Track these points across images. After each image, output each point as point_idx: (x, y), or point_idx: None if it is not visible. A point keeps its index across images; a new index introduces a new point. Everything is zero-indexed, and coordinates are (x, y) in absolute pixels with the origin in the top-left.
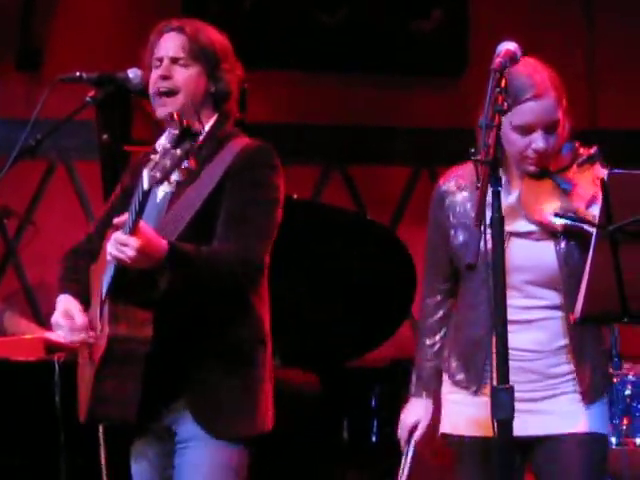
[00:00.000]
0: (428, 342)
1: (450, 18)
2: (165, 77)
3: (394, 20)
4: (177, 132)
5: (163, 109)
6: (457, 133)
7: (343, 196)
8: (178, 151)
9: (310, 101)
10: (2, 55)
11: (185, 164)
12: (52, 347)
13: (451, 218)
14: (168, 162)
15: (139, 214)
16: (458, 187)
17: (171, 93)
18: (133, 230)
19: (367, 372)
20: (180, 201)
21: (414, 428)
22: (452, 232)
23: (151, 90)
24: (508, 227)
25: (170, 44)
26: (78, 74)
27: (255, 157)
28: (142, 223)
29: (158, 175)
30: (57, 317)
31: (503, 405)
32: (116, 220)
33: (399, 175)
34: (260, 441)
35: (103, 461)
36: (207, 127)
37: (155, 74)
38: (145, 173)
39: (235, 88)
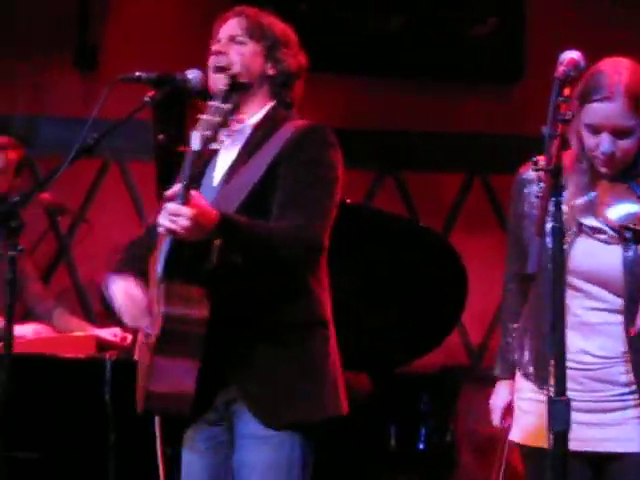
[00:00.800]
0: (511, 326)
1: (506, 24)
2: (219, 52)
3: (449, 26)
4: (225, 87)
5: (215, 84)
6: (512, 140)
7: (396, 202)
8: (227, 105)
9: (365, 106)
10: (60, 53)
11: (233, 117)
12: (103, 345)
13: (525, 207)
14: (218, 118)
15: (190, 181)
16: (538, 177)
17: (224, 69)
18: (185, 199)
19: (416, 378)
20: (232, 183)
21: (506, 411)
22: (525, 221)
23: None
24: (580, 219)
25: (229, 25)
26: (137, 74)
27: (310, 135)
28: (194, 192)
29: (209, 133)
30: (120, 302)
31: (559, 417)
32: (167, 192)
33: (452, 182)
34: (328, 427)
35: (159, 453)
36: (263, 111)
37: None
38: (195, 134)
39: (297, 75)
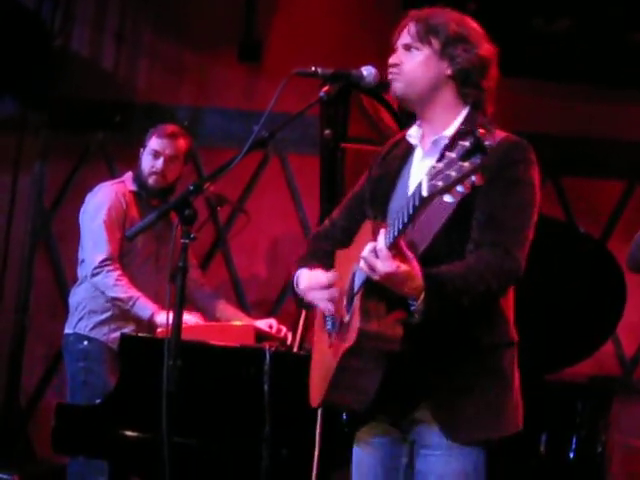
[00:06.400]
0: None
1: None
2: (393, 64)
3: (615, 31)
4: (468, 145)
5: (394, 94)
6: None
7: (554, 207)
8: (467, 164)
9: (526, 110)
10: (226, 47)
11: (472, 179)
12: (261, 335)
13: None
14: (453, 174)
15: (407, 224)
16: None
17: (396, 80)
18: (393, 245)
19: (569, 387)
20: (431, 205)
21: None
22: None
23: None
24: None
25: (402, 33)
26: (313, 68)
27: (512, 153)
28: (402, 242)
29: (440, 184)
30: (304, 282)
31: None
32: (379, 226)
33: (612, 189)
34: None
35: (317, 444)
36: (460, 118)
37: None
38: (424, 180)
39: (479, 69)
